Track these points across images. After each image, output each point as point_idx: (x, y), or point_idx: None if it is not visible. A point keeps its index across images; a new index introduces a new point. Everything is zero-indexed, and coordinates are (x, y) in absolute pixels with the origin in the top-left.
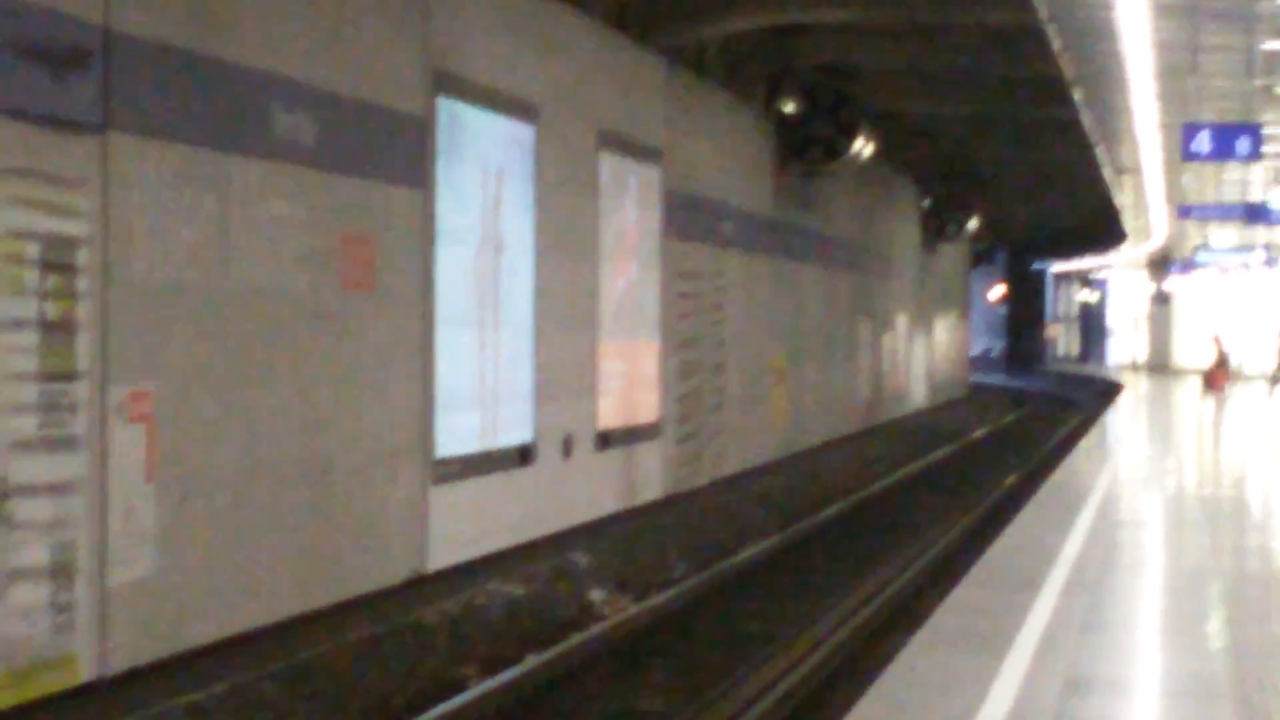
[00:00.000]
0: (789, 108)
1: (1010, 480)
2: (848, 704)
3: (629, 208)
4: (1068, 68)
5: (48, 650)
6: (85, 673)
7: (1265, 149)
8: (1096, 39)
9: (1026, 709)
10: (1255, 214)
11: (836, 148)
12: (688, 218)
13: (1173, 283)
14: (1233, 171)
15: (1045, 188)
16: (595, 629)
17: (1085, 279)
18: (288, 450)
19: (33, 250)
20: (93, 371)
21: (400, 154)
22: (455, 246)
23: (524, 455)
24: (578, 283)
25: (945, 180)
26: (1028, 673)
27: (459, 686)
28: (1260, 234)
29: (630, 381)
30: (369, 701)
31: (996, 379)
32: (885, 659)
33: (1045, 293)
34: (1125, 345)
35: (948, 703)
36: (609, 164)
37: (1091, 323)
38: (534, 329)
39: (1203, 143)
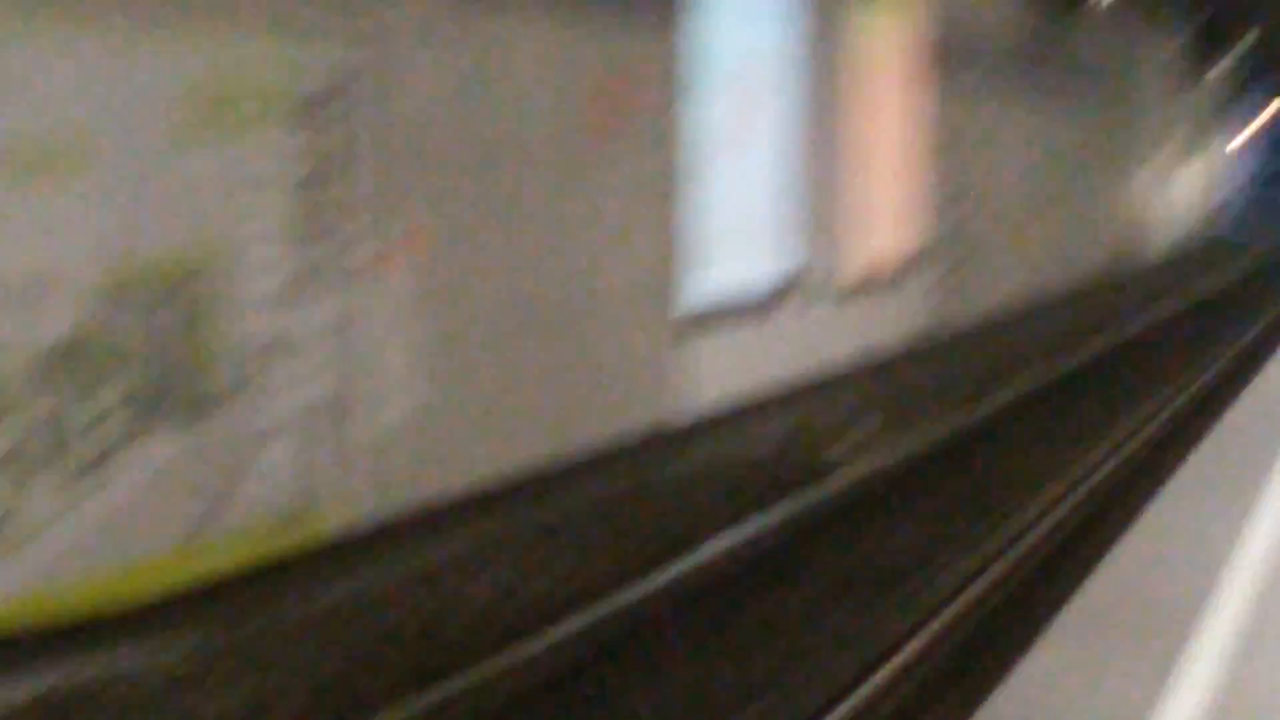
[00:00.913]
0: None
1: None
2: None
3: (888, 48)
4: None
5: (318, 494)
6: (356, 516)
7: None
8: None
9: None
10: None
11: None
12: (949, 58)
13: None
14: None
15: None
16: (860, 467)
17: None
18: (547, 294)
19: (307, 87)
20: (366, 208)
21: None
22: (713, 83)
23: (775, 299)
24: (840, 126)
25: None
26: None
27: (726, 524)
28: None
29: (894, 218)
30: (637, 543)
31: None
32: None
33: None
34: None
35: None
36: (862, 3)
37: None
38: (800, 164)
39: None
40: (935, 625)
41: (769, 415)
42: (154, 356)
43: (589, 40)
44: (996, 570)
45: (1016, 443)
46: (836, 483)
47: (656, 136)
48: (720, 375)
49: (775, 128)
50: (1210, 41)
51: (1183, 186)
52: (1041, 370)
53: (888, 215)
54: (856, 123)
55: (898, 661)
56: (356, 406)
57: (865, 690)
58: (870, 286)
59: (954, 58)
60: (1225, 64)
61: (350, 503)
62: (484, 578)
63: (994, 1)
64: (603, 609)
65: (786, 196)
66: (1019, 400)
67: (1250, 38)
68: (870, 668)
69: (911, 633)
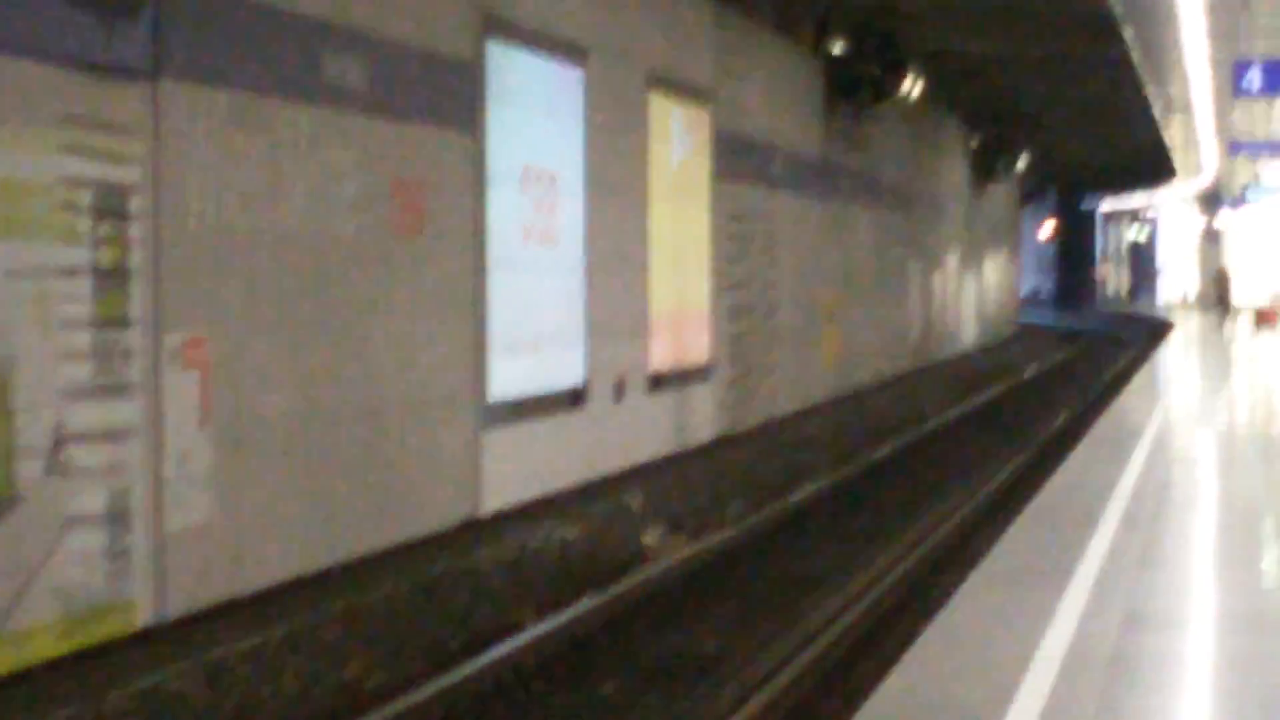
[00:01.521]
0: (837, 48)
1: (1062, 419)
2: (908, 640)
3: (678, 149)
4: (1117, 5)
5: (105, 596)
6: (143, 618)
7: None
8: None
9: (1086, 643)
10: None
11: (885, 88)
12: (737, 159)
13: (1223, 219)
14: None
15: (1094, 126)
16: (650, 570)
17: (1135, 216)
18: (341, 395)
19: (86, 197)
20: (147, 318)
21: (450, 98)
22: (506, 190)
23: (576, 398)
24: (628, 225)
25: (994, 119)
26: (1086, 608)
27: (516, 629)
28: None
29: (681, 324)
30: (426, 644)
31: (1047, 318)
32: (944, 597)
33: (1095, 231)
34: (1175, 283)
35: (1009, 637)
36: (658, 105)
37: (1141, 261)
38: (585, 271)
39: (1254, 79)
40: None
41: (573, 510)
42: None
43: (389, 134)
44: (791, 671)
45: (814, 540)
46: (638, 577)
47: (458, 234)
48: (527, 468)
49: (575, 226)
50: (996, 155)
51: (992, 276)
52: (842, 465)
53: (686, 317)
54: (656, 221)
55: None
56: (152, 506)
57: None
58: (670, 384)
59: (749, 156)
60: (1010, 176)
61: (157, 595)
62: (287, 672)
63: (790, 105)
64: (408, 702)
65: (586, 294)
66: (817, 497)
67: (1025, 157)
68: None
69: None
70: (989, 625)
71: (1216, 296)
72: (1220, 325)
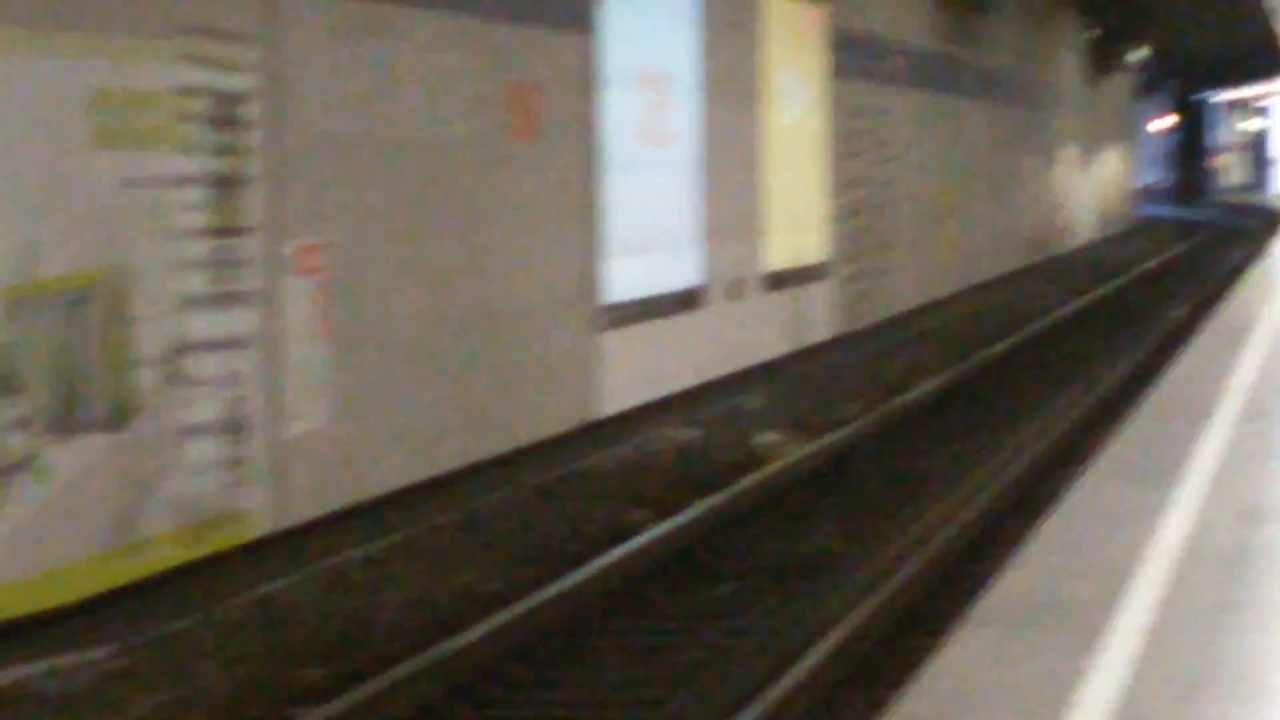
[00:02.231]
0: None
1: (1181, 311)
2: (1022, 535)
3: (793, 46)
4: None
5: (224, 504)
6: (262, 526)
7: None
8: None
9: (1204, 537)
10: None
11: None
12: (853, 55)
13: None
14: None
15: (1211, 16)
16: (766, 471)
17: (1251, 108)
18: (457, 299)
19: (202, 106)
20: (264, 226)
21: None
22: (621, 91)
23: (693, 299)
24: (744, 124)
25: (1110, 11)
26: (1204, 502)
27: (631, 531)
28: None
29: (798, 222)
30: (543, 548)
31: (1164, 210)
32: (1061, 493)
33: (1212, 123)
34: None
35: (1125, 532)
36: (774, 3)
37: (1258, 152)
38: (701, 171)
39: None
40: (851, 620)
41: (691, 409)
42: (65, 365)
43: (505, 39)
44: (910, 567)
45: (928, 439)
46: (753, 478)
47: (572, 137)
48: (644, 369)
49: (690, 126)
50: (1113, 48)
51: (1109, 170)
52: (960, 361)
53: (803, 213)
54: (772, 120)
55: (812, 658)
56: (272, 413)
57: (779, 687)
58: (788, 282)
59: (864, 53)
60: (1127, 69)
61: (272, 505)
62: (404, 579)
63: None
64: (526, 606)
65: (702, 194)
66: (932, 396)
67: (1143, 51)
68: (785, 664)
69: (826, 627)
70: (1105, 521)
71: None
72: None
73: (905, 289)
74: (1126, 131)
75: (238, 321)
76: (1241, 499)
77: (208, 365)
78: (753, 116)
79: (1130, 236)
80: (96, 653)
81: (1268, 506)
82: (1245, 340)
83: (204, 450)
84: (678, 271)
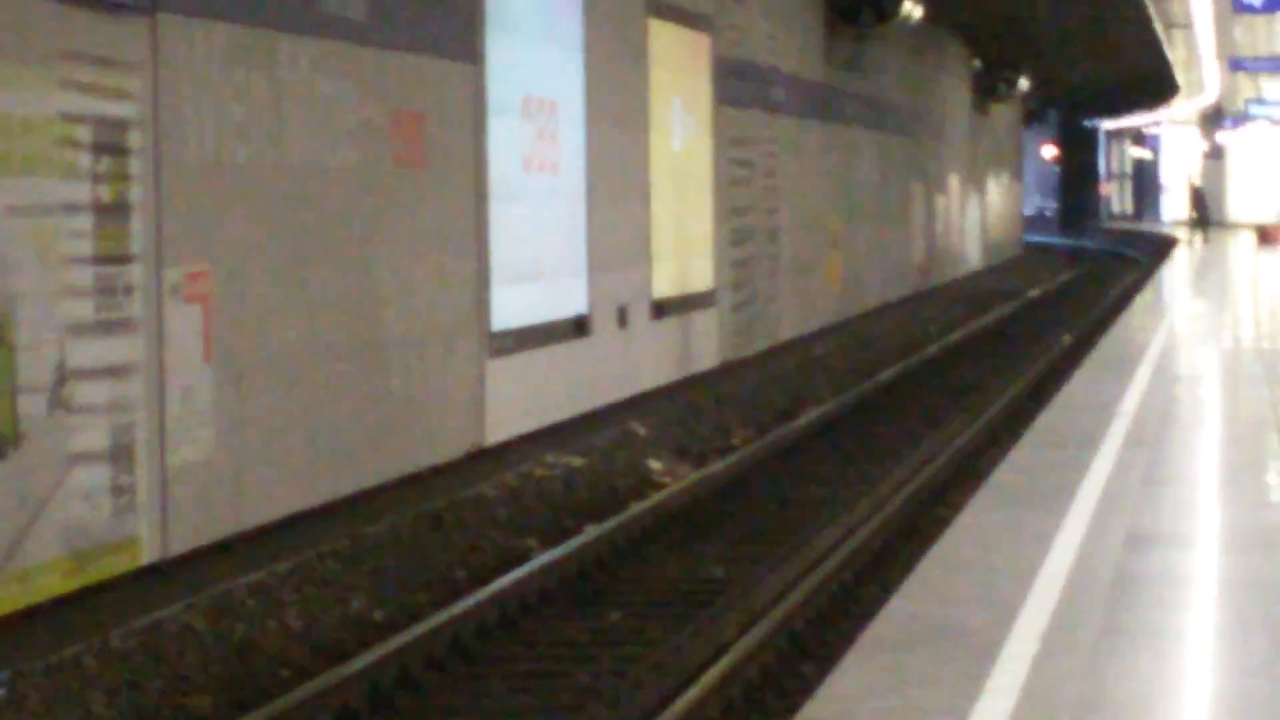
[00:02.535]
0: None
1: (1067, 338)
2: (912, 561)
3: (679, 75)
4: None
5: (110, 533)
6: (147, 554)
7: None
8: None
9: (1089, 563)
10: None
11: (886, 9)
12: (739, 84)
13: (1225, 137)
14: None
15: (1096, 45)
16: (654, 498)
17: (1138, 136)
18: (344, 327)
19: (85, 133)
20: (147, 253)
21: (450, 28)
22: (507, 119)
23: (580, 326)
24: (629, 152)
25: (995, 40)
26: (1090, 528)
27: (521, 558)
28: None
29: (684, 249)
30: (431, 576)
31: (1051, 238)
32: (948, 518)
33: (1098, 150)
34: (1178, 202)
35: (1012, 557)
36: (657, 32)
37: (1145, 180)
38: (587, 199)
39: None
40: (743, 645)
41: (579, 436)
42: None
43: (391, 67)
44: (799, 593)
45: (817, 465)
46: (641, 505)
47: (459, 165)
48: (531, 396)
49: (576, 155)
50: (998, 78)
51: (996, 198)
52: (845, 390)
53: (690, 241)
54: (657, 148)
55: (706, 681)
56: (157, 441)
57: (674, 710)
58: (674, 310)
59: (751, 81)
60: (1013, 98)
61: (158, 533)
62: (292, 607)
63: (791, 29)
64: (415, 633)
65: (589, 222)
66: (819, 422)
67: (1027, 78)
68: (674, 691)
69: (717, 654)
70: (992, 547)
71: (1194, 213)
72: (1192, 240)
73: (792, 316)
74: (1013, 160)
75: (122, 349)
76: (1128, 525)
77: (92, 393)
78: (639, 144)
79: (1017, 264)
80: None
81: (1153, 532)
82: (1130, 368)
83: (89, 478)
84: (565, 299)
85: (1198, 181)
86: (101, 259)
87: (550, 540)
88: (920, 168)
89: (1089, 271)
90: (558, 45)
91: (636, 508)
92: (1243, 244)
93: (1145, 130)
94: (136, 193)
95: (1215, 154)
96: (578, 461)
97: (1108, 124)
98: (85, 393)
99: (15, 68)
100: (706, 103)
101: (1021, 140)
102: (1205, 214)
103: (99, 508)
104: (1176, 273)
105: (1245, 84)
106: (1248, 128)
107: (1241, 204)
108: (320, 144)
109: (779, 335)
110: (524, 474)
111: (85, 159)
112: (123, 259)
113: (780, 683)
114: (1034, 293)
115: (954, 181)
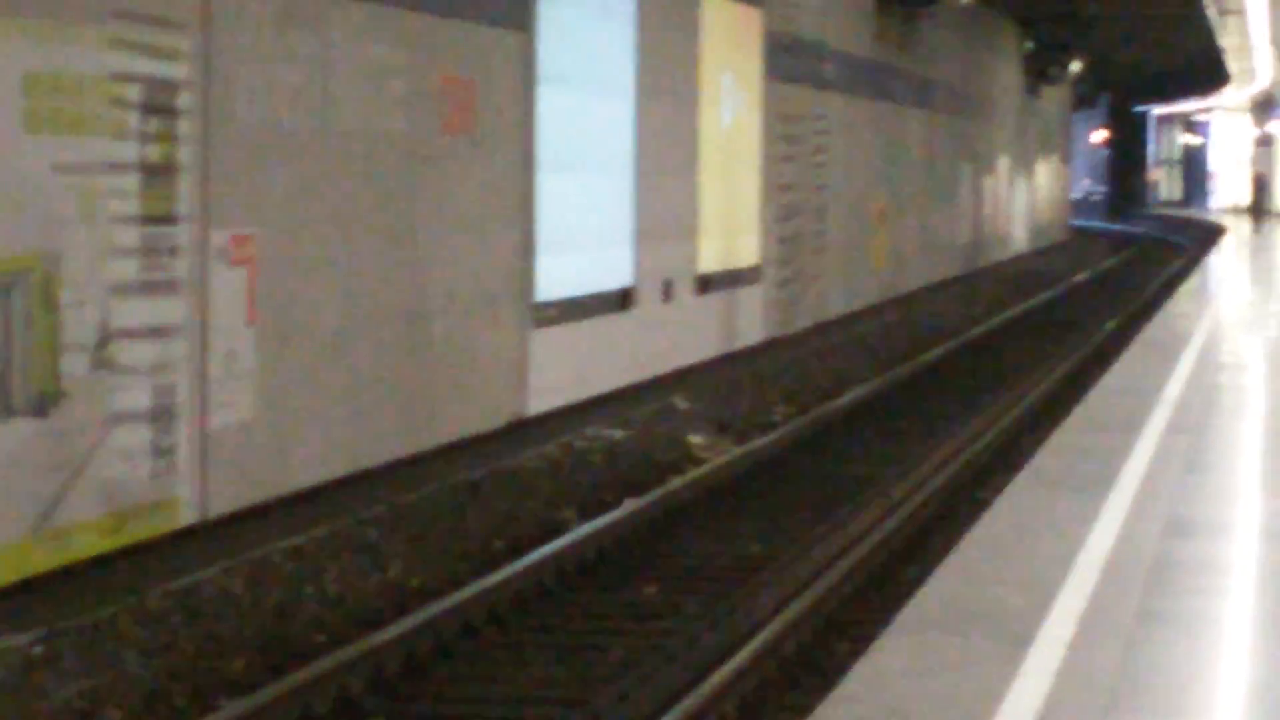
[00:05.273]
0: None
1: (1112, 323)
2: (949, 544)
3: (730, 49)
4: None
5: (149, 493)
6: (186, 516)
7: None
8: None
9: (1128, 549)
10: None
11: None
12: (789, 60)
13: (1276, 125)
14: None
15: (1148, 30)
16: (694, 472)
17: (1188, 122)
18: (388, 293)
19: (134, 93)
20: (194, 215)
21: None
22: (557, 89)
23: (624, 299)
24: (678, 126)
25: (1048, 23)
26: (1129, 514)
27: (559, 529)
28: None
29: (731, 225)
30: (469, 545)
31: (1098, 223)
32: (988, 501)
33: (1147, 136)
34: (1227, 188)
35: (1051, 541)
36: (709, 4)
37: (1194, 166)
38: (635, 172)
39: None
40: (777, 624)
41: (620, 409)
42: None
43: (441, 33)
44: (837, 571)
45: (858, 444)
46: (682, 479)
47: (507, 134)
48: (574, 368)
49: (625, 127)
50: (1050, 60)
51: (1044, 181)
52: (889, 368)
53: (737, 217)
54: (706, 122)
55: (740, 658)
56: (199, 403)
57: (708, 686)
58: (719, 285)
59: (801, 57)
60: (1064, 81)
61: (198, 495)
62: (329, 572)
63: (842, 5)
64: (451, 602)
65: (636, 195)
66: (862, 401)
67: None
68: (713, 665)
69: (755, 630)
70: (1031, 530)
71: (1253, 201)
72: (1257, 229)
73: (837, 295)
74: (1062, 143)
75: (166, 310)
76: (1167, 512)
77: (136, 353)
78: (688, 118)
79: (1064, 247)
80: (17, 640)
81: (1193, 520)
82: (1175, 354)
83: (130, 438)
84: (610, 271)
85: (1259, 168)
86: (148, 219)
87: (589, 513)
88: (969, 148)
89: (1135, 256)
90: (609, 16)
91: (675, 482)
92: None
93: (1195, 117)
94: (185, 154)
95: (1265, 142)
96: (619, 434)
97: (1158, 109)
98: (128, 353)
99: (66, 26)
100: (756, 78)
101: (1071, 124)
102: (1263, 202)
103: (139, 468)
104: (1223, 260)
105: None
106: None
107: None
108: (369, 109)
109: (824, 313)
110: (564, 445)
111: (134, 119)
112: (169, 220)
113: (815, 661)
114: (1080, 277)
115: (1002, 163)
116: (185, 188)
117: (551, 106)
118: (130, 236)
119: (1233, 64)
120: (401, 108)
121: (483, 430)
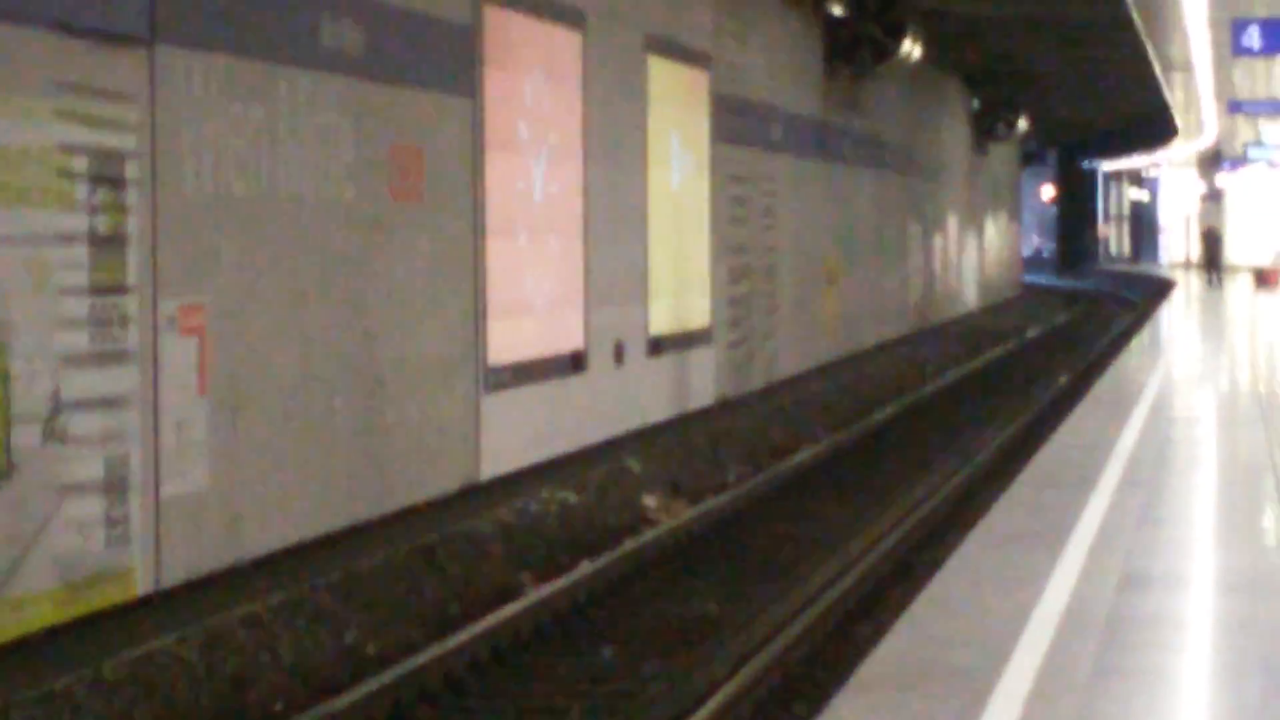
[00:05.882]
0: (837, 9)
1: (1064, 379)
2: (904, 602)
3: (677, 112)
4: None
5: (103, 564)
6: (140, 586)
7: None
8: None
9: (1083, 604)
10: None
11: (885, 49)
12: (737, 122)
13: (1224, 179)
14: None
15: (1095, 87)
16: (649, 534)
17: (1136, 178)
18: (339, 360)
19: (81, 164)
20: (143, 285)
21: (449, 63)
22: (505, 154)
23: (576, 362)
24: (627, 188)
25: (994, 81)
26: (1084, 568)
27: (515, 593)
28: None
29: (681, 286)
30: (425, 610)
31: (1048, 279)
32: (942, 558)
33: (1096, 192)
34: (1177, 244)
35: (1006, 598)
36: (656, 69)
37: (1143, 221)
38: (584, 235)
39: (1253, 38)
40: (734, 684)
41: (573, 472)
42: None
43: (389, 101)
44: (792, 631)
45: (812, 504)
46: (636, 541)
47: (456, 200)
48: (526, 431)
49: (574, 190)
50: (997, 118)
51: (993, 238)
52: (841, 429)
53: (687, 278)
54: (655, 184)
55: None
56: (151, 472)
57: None
58: (671, 347)
59: (749, 119)
60: (1011, 139)
61: (151, 564)
62: (285, 639)
63: (790, 67)
64: (412, 666)
65: (586, 258)
66: (815, 461)
67: (1026, 119)
68: None
69: (709, 692)
70: (985, 587)
71: (1205, 256)
72: (1209, 282)
73: (789, 355)
74: (1012, 200)
75: (117, 380)
76: (1122, 566)
77: (87, 424)
78: (637, 181)
79: (1015, 304)
80: None
81: (1148, 574)
82: (1128, 409)
83: (83, 509)
84: (561, 335)
85: (1209, 222)
86: (97, 290)
87: (544, 576)
88: (918, 207)
89: (1086, 312)
90: (556, 81)
91: (630, 544)
92: (1240, 286)
93: (1144, 172)
94: (133, 224)
95: (1214, 196)
96: (573, 498)
97: (1106, 165)
98: (79, 424)
99: (12, 98)
100: (704, 140)
101: (1020, 181)
102: (1217, 257)
103: (92, 539)
104: (1174, 315)
105: (1244, 127)
106: (1246, 170)
107: (1239, 247)
108: (318, 178)
109: (776, 373)
110: (518, 509)
111: (82, 190)
112: (119, 290)
113: None
114: (1031, 333)
115: (952, 221)
116: (134, 258)
117: (499, 172)
118: (80, 307)
119: (1180, 119)
120: (350, 176)
121: (436, 495)
